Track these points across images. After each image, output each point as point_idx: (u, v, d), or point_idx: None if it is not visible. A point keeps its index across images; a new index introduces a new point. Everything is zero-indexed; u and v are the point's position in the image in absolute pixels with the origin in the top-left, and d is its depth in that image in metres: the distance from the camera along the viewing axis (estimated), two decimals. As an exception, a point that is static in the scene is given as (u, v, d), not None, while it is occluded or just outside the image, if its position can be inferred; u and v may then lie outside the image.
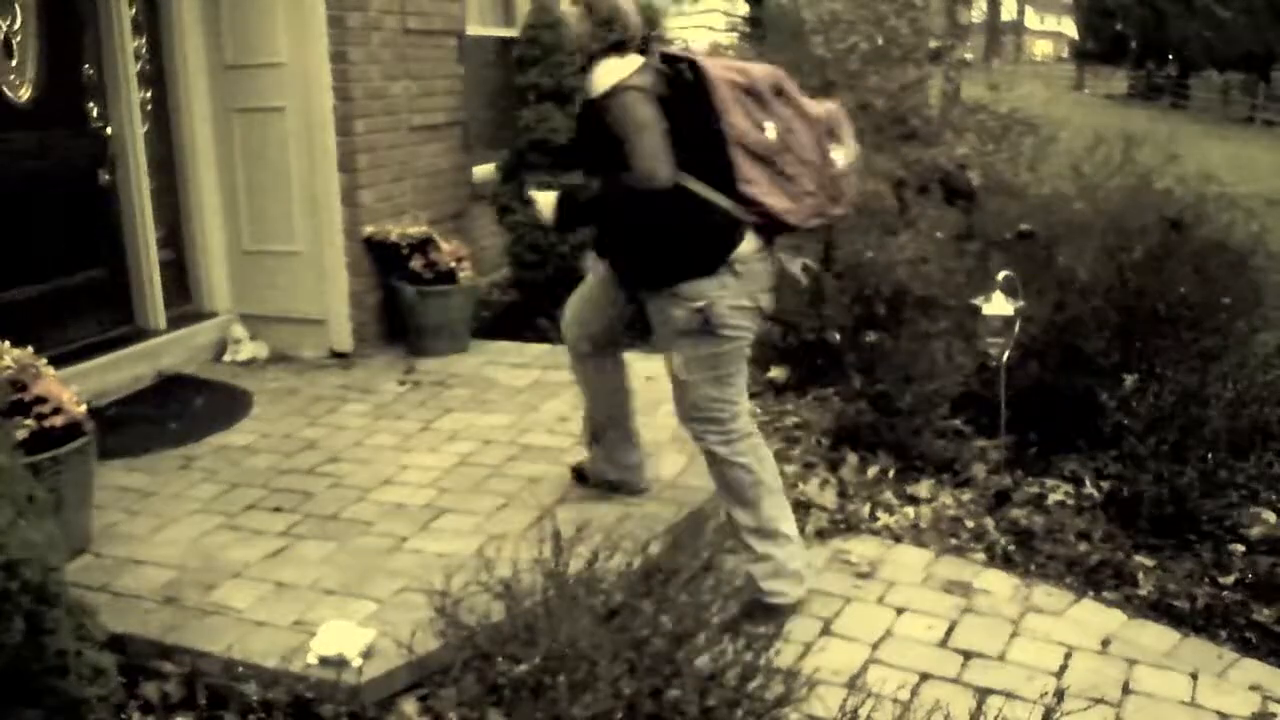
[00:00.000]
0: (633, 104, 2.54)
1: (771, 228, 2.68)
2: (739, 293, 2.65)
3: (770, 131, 2.60)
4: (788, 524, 2.83)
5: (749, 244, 2.64)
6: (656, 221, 2.64)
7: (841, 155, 2.68)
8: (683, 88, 2.61)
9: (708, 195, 2.60)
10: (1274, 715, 2.45)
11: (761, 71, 2.67)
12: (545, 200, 2.87)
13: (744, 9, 10.13)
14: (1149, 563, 3.14)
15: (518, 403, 4.11)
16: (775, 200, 2.60)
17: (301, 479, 3.41)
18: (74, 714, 1.91)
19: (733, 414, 2.77)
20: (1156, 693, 2.53)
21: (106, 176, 4.28)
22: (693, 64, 2.62)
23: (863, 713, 2.07)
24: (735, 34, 9.31)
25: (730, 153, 2.57)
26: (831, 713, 2.11)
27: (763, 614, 2.73)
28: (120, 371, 4.18)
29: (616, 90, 2.56)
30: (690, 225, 2.62)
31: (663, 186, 2.54)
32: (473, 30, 5.97)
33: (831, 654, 2.66)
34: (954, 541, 3.31)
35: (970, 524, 3.40)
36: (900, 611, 2.88)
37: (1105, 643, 2.74)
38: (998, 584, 3.04)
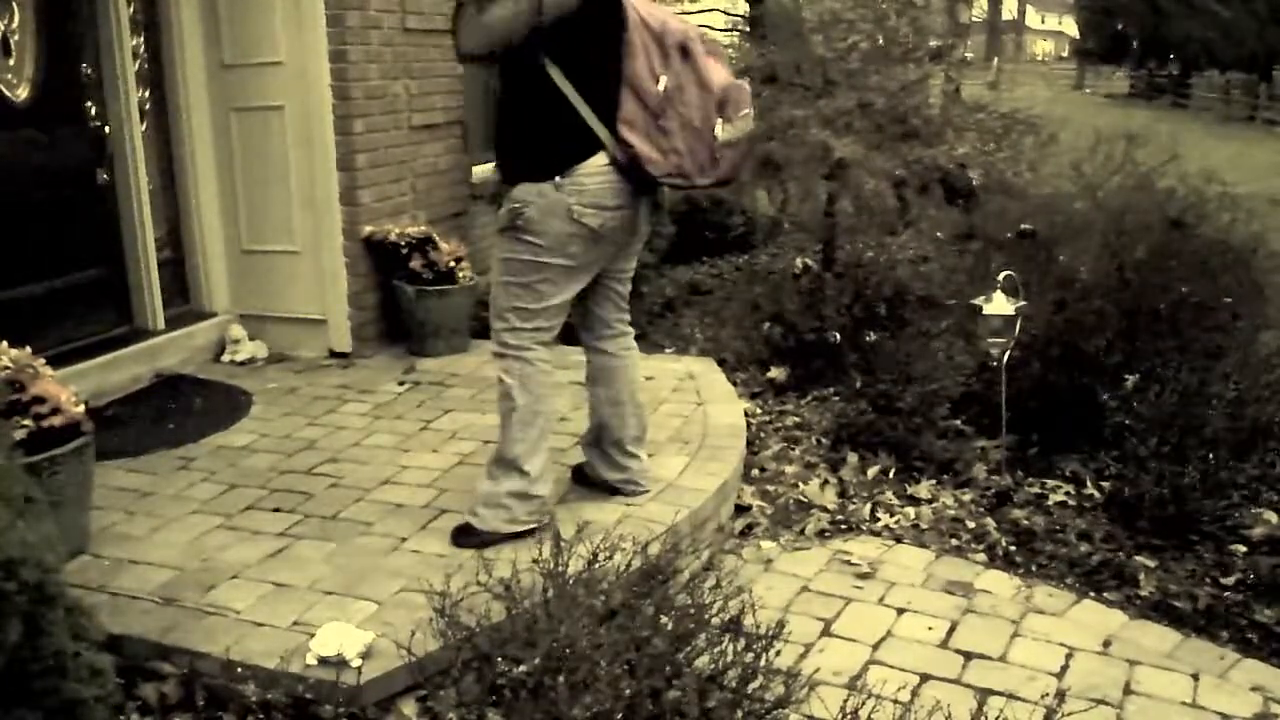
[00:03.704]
0: None
1: (634, 171, 2.75)
2: (557, 203, 2.72)
3: (661, 84, 2.70)
4: (531, 462, 2.86)
5: (591, 163, 2.73)
6: (526, 118, 2.76)
7: (725, 129, 2.75)
8: (603, 11, 2.71)
9: (589, 120, 2.71)
10: (1276, 716, 2.44)
11: (677, 25, 2.78)
12: None
13: (744, 8, 10.13)
14: (1150, 563, 3.14)
15: (517, 402, 4.10)
16: (644, 146, 2.70)
17: (301, 479, 3.40)
18: (72, 715, 1.90)
19: (514, 329, 2.85)
20: (1158, 693, 2.52)
21: (105, 176, 4.28)
22: None
23: (863, 713, 2.06)
24: (735, 33, 9.31)
25: (620, 89, 2.70)
26: (832, 713, 2.11)
27: (462, 533, 2.90)
28: (119, 371, 4.17)
29: None
30: (546, 132, 2.74)
31: (459, 53, 2.74)
32: (472, 29, 5.95)
33: (832, 654, 2.65)
34: (955, 542, 3.30)
35: (971, 524, 3.39)
36: (901, 612, 2.88)
37: (1106, 643, 2.74)
38: (998, 584, 3.04)
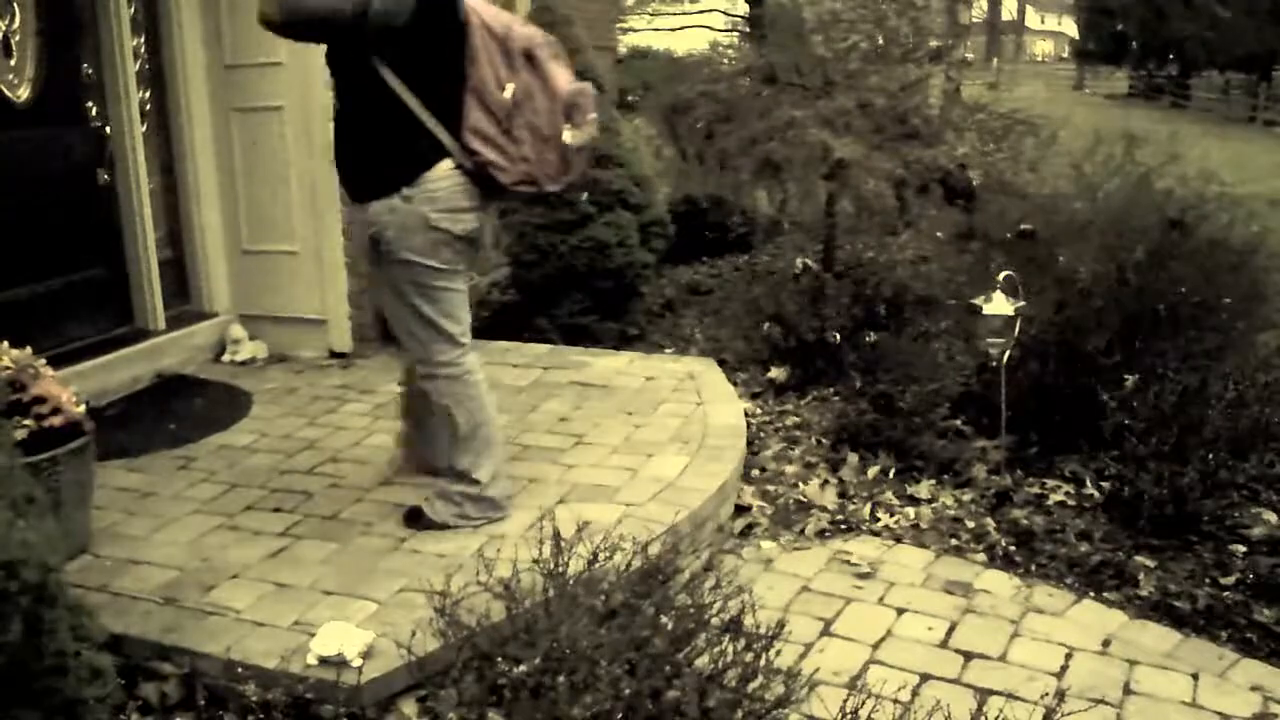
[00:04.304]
0: None
1: (483, 178, 2.73)
2: (411, 216, 2.68)
3: (508, 92, 2.67)
4: (480, 470, 2.95)
5: (439, 169, 2.69)
6: (365, 130, 2.71)
7: (574, 134, 2.74)
8: (446, 16, 2.67)
9: (431, 126, 2.66)
10: (1275, 716, 2.45)
11: (521, 32, 2.74)
12: None
13: (744, 8, 10.14)
14: (1150, 563, 3.14)
15: (518, 403, 4.11)
16: (492, 154, 2.68)
17: (301, 479, 3.40)
18: (72, 714, 1.90)
19: (430, 349, 2.85)
20: (1157, 693, 2.52)
21: (105, 176, 4.28)
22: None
23: (863, 713, 2.06)
24: (735, 33, 9.32)
25: (465, 96, 2.65)
26: (832, 713, 2.11)
27: (413, 518, 3.02)
28: (119, 372, 4.17)
29: None
30: (387, 143, 2.69)
31: (260, 18, 2.56)
32: (473, 30, 5.96)
33: (832, 654, 2.65)
34: (954, 542, 3.30)
35: (971, 524, 3.39)
36: (901, 612, 2.88)
37: (1106, 643, 2.74)
38: (998, 584, 3.04)
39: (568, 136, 2.73)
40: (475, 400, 2.93)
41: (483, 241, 2.92)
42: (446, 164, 2.69)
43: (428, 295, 2.80)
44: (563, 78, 2.76)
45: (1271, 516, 3.35)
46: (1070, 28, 45.67)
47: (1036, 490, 3.62)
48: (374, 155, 2.72)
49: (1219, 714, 2.45)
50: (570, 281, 5.19)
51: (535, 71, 2.71)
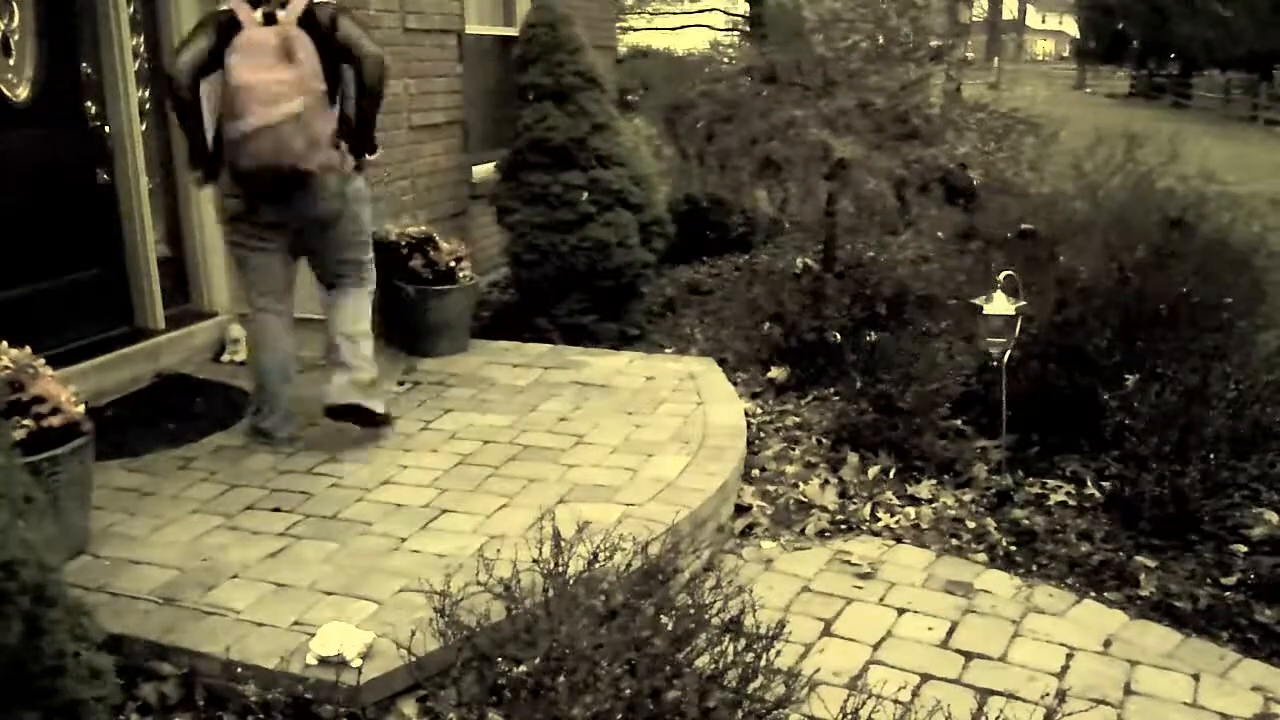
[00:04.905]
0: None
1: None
2: (217, 193, 3.52)
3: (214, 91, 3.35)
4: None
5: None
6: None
7: (234, 126, 3.27)
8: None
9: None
10: (1276, 716, 2.44)
11: (236, 42, 3.26)
12: None
13: (744, 8, 10.14)
14: (1151, 563, 3.14)
15: (518, 403, 4.10)
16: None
17: (300, 479, 3.40)
18: (71, 715, 1.90)
19: (248, 297, 3.66)
20: (1158, 693, 2.52)
21: (105, 176, 4.27)
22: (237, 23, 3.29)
23: (864, 714, 2.06)
24: (735, 33, 9.32)
25: None
26: (832, 713, 2.11)
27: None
28: (118, 371, 4.16)
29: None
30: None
31: (173, 78, 3.32)
32: (472, 29, 5.96)
33: (832, 654, 2.65)
34: (955, 542, 3.30)
35: (971, 524, 3.39)
36: (901, 612, 2.88)
37: (1107, 643, 2.73)
38: (999, 584, 3.04)
39: (239, 125, 3.26)
40: (268, 344, 3.63)
41: (293, 215, 3.45)
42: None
43: (237, 258, 3.66)
44: (245, 78, 3.23)
45: (1273, 516, 3.35)
46: (1071, 27, 45.70)
47: (1037, 490, 3.62)
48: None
49: (1220, 714, 2.45)
50: (570, 281, 5.19)
51: (233, 75, 3.27)
